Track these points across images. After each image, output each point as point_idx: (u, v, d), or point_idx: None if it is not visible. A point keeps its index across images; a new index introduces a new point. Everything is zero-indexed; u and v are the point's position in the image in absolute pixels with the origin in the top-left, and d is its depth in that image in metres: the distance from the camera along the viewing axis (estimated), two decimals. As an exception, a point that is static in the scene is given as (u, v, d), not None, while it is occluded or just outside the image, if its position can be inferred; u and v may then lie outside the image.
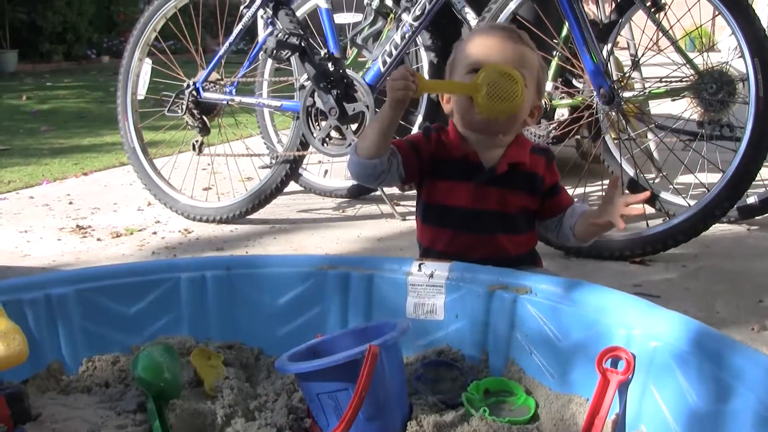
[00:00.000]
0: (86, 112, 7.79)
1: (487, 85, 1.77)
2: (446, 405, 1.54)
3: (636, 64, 3.39)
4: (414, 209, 2.13)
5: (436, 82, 1.84)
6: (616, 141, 3.25)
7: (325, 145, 3.16)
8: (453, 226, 1.90)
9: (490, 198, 1.88)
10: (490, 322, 1.69)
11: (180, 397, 1.56)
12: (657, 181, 3.52)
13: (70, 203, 3.92)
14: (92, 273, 1.90)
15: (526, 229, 1.95)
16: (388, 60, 3.07)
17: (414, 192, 2.04)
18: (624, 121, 2.95)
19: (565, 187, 1.99)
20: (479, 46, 1.90)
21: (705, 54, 3.11)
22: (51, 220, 3.57)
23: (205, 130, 3.45)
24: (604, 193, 1.81)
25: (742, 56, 2.66)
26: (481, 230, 1.88)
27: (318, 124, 3.17)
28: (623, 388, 1.41)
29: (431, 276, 1.74)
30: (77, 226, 3.44)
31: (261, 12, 3.22)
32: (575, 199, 2.01)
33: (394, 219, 3.43)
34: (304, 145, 3.30)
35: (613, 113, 2.88)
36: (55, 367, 1.70)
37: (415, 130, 3.32)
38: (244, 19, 3.28)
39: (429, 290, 1.73)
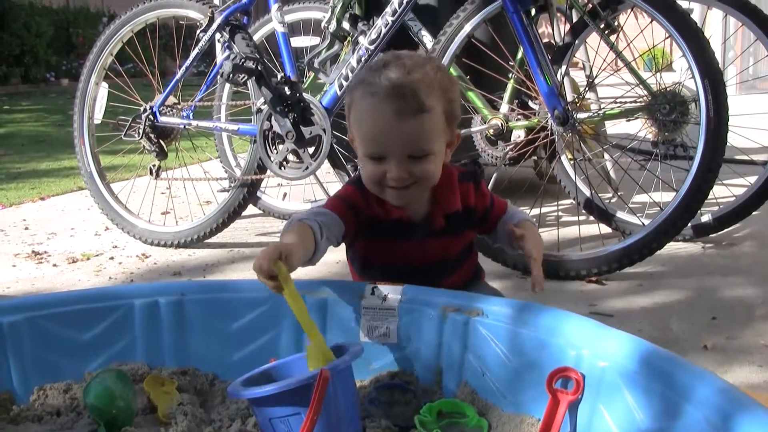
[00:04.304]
0: (44, 135, 7.73)
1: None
2: (399, 428, 1.55)
3: (591, 86, 3.44)
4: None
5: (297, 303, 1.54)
6: (572, 161, 3.29)
7: (282, 168, 3.16)
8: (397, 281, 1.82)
9: (432, 251, 1.83)
10: (443, 344, 1.69)
11: (133, 424, 1.55)
12: (613, 200, 3.56)
13: (26, 228, 3.87)
14: (44, 300, 1.88)
15: (469, 255, 1.94)
16: (345, 83, 3.08)
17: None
18: (579, 142, 2.98)
19: (522, 208, 1.97)
20: (378, 129, 1.69)
21: (659, 74, 3.15)
22: (6, 246, 3.52)
23: (162, 154, 3.44)
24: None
25: (693, 77, 2.71)
26: (427, 280, 1.80)
27: (275, 148, 3.17)
28: (573, 408, 1.43)
29: (384, 299, 1.74)
30: (33, 251, 3.40)
31: (218, 36, 3.23)
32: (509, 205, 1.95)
33: (353, 241, 3.42)
34: (262, 168, 3.29)
35: (569, 134, 2.91)
36: (5, 397, 1.68)
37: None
38: (201, 43, 3.28)
39: (382, 313, 1.73)
